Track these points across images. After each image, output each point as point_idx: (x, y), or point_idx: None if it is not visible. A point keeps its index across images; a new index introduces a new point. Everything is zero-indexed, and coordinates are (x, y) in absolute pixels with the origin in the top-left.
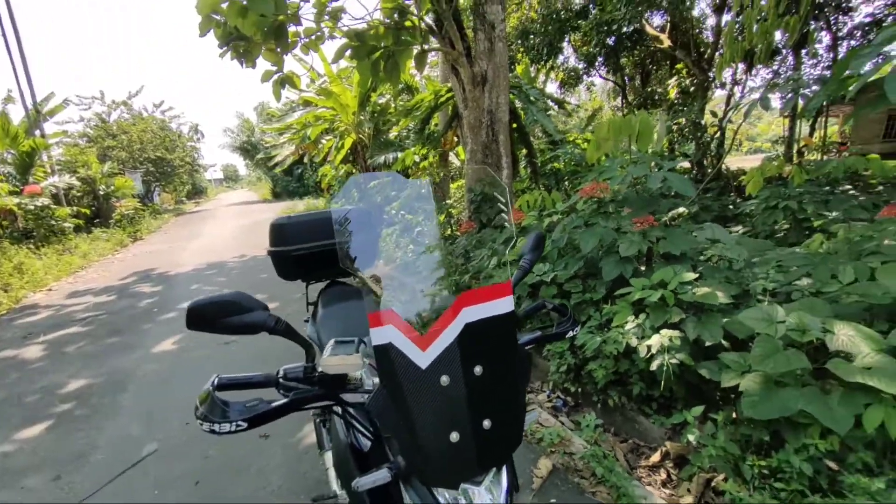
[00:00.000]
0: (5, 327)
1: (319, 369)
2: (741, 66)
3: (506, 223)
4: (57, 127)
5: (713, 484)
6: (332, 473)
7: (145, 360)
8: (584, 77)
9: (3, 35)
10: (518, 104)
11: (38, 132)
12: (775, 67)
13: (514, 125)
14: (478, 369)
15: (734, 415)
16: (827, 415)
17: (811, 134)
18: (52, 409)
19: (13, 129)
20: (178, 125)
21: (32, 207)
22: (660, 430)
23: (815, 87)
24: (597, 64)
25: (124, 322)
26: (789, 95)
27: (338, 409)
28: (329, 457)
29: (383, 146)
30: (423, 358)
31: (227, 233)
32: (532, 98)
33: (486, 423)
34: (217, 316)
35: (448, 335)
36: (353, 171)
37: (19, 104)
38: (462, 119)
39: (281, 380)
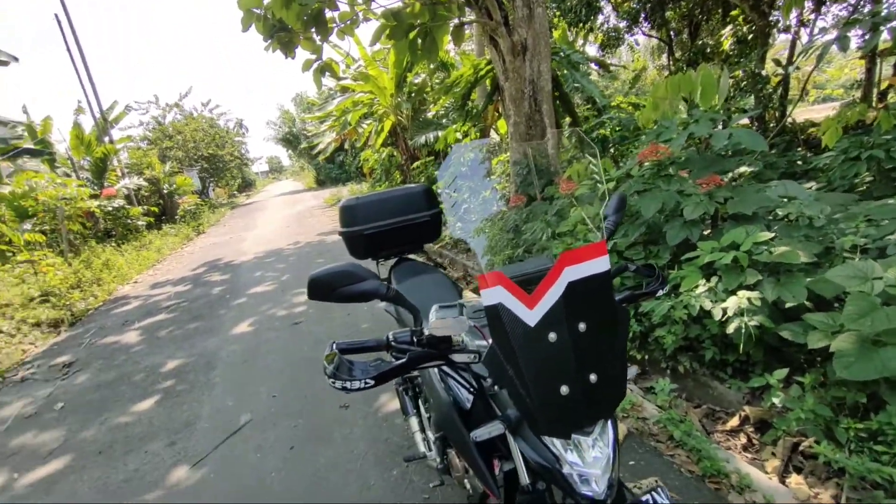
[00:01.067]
0: (105, 316)
1: (426, 332)
2: (808, 4)
3: (556, 194)
4: (121, 133)
5: (801, 448)
6: (418, 437)
7: (226, 341)
8: (626, 36)
9: (69, 49)
10: (558, 71)
11: (106, 139)
12: (851, 1)
13: (556, 93)
14: (582, 326)
15: (823, 377)
16: None
17: None
18: (156, 385)
19: (87, 138)
20: (225, 121)
21: (110, 209)
22: (737, 395)
23: None
24: (640, 20)
25: (202, 308)
26: (868, 33)
27: (437, 371)
28: (414, 422)
29: (423, 126)
30: (531, 316)
31: (279, 222)
32: (574, 62)
33: (593, 377)
34: (334, 286)
35: (553, 294)
36: (394, 153)
37: (88, 114)
38: (503, 91)
39: (393, 343)
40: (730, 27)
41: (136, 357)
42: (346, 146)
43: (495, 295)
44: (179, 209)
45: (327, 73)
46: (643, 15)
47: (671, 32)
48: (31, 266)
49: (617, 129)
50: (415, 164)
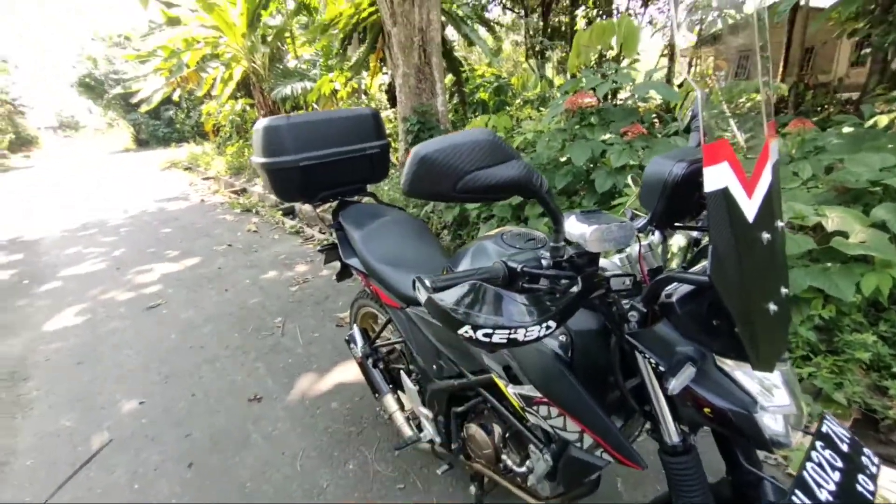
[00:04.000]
0: None
1: (570, 250)
2: None
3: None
4: None
5: None
6: (399, 417)
7: (41, 340)
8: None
9: None
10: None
11: None
12: None
13: (443, 48)
14: (779, 223)
15: None
16: None
17: None
18: None
19: None
20: None
21: None
22: None
23: None
24: None
25: None
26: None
27: None
28: (390, 400)
29: (283, 75)
30: (749, 207)
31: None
32: (461, 16)
33: (784, 291)
34: (458, 170)
35: (766, 176)
36: (247, 107)
37: None
38: (390, 38)
39: (522, 269)
40: (582, 8)
41: None
42: (178, 98)
43: (721, 175)
44: None
45: None
46: None
47: (525, 9)
48: None
49: (495, 93)
50: None
